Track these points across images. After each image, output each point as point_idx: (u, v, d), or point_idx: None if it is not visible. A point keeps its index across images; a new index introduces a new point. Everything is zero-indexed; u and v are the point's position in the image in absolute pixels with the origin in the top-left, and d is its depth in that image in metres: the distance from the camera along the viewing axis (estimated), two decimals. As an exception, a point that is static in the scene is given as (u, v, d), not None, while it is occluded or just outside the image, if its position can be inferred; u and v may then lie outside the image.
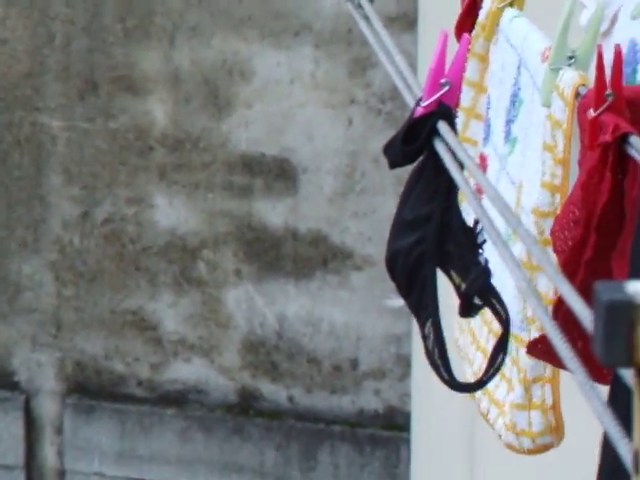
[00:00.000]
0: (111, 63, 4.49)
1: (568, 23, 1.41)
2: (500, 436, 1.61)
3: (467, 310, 1.44)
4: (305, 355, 4.51)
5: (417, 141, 1.37)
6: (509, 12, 1.59)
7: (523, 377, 1.52)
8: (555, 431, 1.55)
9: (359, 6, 1.75)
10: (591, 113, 1.20)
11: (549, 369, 1.52)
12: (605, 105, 1.19)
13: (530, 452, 1.60)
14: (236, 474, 4.64)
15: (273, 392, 4.52)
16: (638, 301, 0.47)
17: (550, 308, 1.25)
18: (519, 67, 1.57)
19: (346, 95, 4.34)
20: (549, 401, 1.54)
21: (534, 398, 1.55)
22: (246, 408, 4.58)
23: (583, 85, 1.29)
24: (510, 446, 1.61)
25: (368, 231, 4.32)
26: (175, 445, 4.64)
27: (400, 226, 1.47)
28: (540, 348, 1.39)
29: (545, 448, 1.58)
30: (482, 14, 1.67)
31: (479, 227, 1.37)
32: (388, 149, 1.46)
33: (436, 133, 1.30)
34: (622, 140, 1.13)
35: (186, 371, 4.54)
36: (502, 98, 1.66)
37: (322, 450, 4.56)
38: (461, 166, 1.22)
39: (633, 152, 1.12)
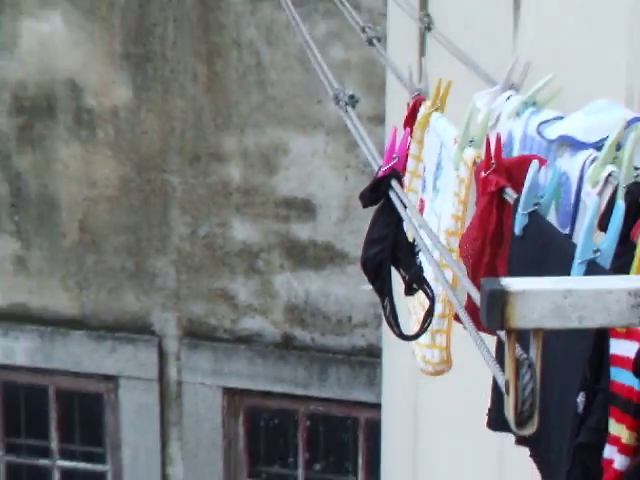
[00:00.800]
0: (208, 144, 4.46)
1: (469, 121, 1.45)
2: (418, 363, 1.72)
3: (409, 292, 1.48)
4: (321, 314, 4.54)
5: (379, 191, 1.43)
6: (435, 115, 1.64)
7: (431, 329, 1.57)
8: (446, 362, 1.67)
9: (346, 111, 1.78)
10: (482, 174, 1.25)
11: (446, 325, 1.60)
12: (491, 169, 1.22)
13: (431, 374, 1.74)
14: (280, 383, 4.71)
15: (302, 335, 4.58)
16: (507, 290, 0.52)
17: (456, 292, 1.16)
18: (441, 147, 1.61)
19: (344, 163, 4.31)
20: (444, 344, 1.64)
21: (436, 342, 1.64)
22: (287, 345, 4.62)
23: (478, 157, 1.34)
24: (422, 369, 1.74)
25: (358, 242, 4.03)
26: (246, 366, 4.68)
27: (369, 242, 1.51)
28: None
29: (441, 372, 1.73)
30: (419, 116, 1.71)
31: (416, 242, 1.38)
32: (362, 196, 1.48)
33: (390, 187, 1.38)
34: (501, 191, 1.19)
35: (251, 323, 4.62)
36: (431, 165, 1.68)
37: (331, 369, 4.58)
38: (405, 207, 1.30)
39: (508, 197, 1.19)
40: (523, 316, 0.53)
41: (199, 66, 4.52)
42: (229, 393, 4.84)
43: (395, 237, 1.49)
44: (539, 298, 0.54)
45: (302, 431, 4.87)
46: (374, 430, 4.59)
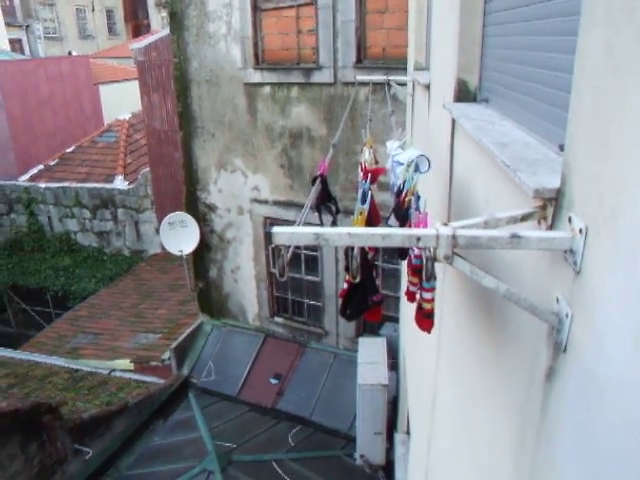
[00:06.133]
0: (349, 149, 6.46)
1: (372, 151, 2.67)
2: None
3: (336, 214, 2.46)
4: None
5: (316, 179, 2.44)
6: (366, 147, 2.70)
7: (355, 219, 2.16)
8: (359, 224, 2.12)
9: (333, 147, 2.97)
10: (367, 167, 2.35)
11: (358, 216, 2.15)
12: (365, 169, 2.42)
13: (355, 224, 2.09)
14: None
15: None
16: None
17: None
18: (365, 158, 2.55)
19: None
20: (359, 222, 2.15)
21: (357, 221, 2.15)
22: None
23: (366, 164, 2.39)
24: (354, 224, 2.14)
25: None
26: (350, 202, 5.41)
27: (314, 199, 2.26)
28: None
29: (356, 226, 2.11)
30: (366, 146, 2.69)
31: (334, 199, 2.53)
32: (312, 181, 2.39)
33: (320, 177, 2.37)
34: (372, 175, 2.34)
35: (347, 204, 5.51)
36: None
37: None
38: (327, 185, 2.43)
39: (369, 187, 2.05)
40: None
41: (350, 122, 6.34)
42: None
43: (323, 195, 2.47)
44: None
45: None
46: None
